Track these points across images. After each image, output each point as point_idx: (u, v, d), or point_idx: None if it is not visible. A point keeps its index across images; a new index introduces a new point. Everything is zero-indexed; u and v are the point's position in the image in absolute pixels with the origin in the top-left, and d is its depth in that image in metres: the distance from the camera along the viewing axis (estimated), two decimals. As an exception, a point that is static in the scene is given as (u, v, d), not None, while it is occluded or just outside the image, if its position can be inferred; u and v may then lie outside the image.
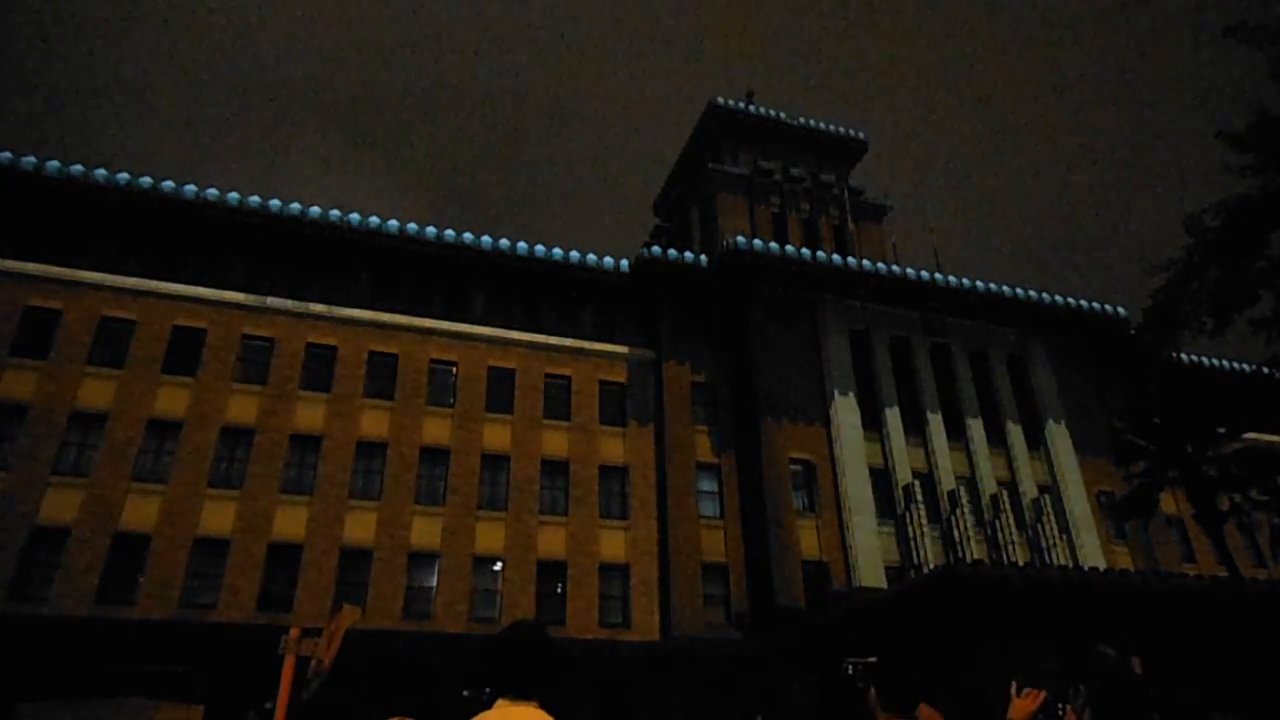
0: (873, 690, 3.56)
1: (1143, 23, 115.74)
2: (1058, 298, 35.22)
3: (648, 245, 33.28)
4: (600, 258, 31.42)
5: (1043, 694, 3.52)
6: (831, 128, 41.90)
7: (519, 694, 2.69)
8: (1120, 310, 35.60)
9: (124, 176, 26.83)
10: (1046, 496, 30.73)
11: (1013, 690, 3.57)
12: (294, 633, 7.91)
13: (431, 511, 25.89)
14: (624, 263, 31.74)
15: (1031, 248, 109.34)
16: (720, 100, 40.51)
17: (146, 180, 27.12)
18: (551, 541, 26.57)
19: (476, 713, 2.63)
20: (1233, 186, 17.79)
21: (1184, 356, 36.82)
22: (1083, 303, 35.67)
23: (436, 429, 27.18)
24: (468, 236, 30.12)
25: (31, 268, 24.95)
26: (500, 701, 2.69)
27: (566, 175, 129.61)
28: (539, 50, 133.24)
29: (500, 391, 28.63)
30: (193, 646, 20.53)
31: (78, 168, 26.40)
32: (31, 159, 25.93)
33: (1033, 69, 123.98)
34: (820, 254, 33.04)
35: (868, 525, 27.79)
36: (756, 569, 27.01)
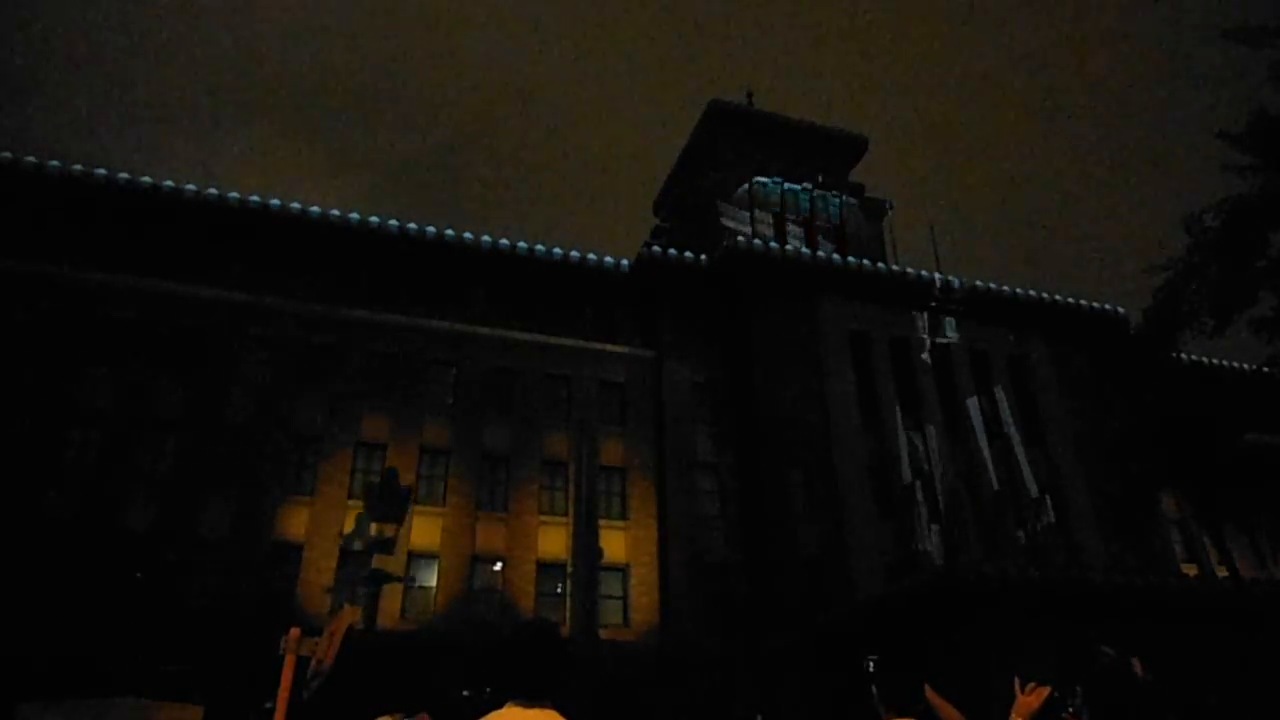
0: (874, 688, 3.58)
1: (1143, 23, 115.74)
2: (1058, 298, 35.23)
3: (648, 245, 33.28)
4: (600, 257, 31.43)
5: (1047, 690, 3.52)
6: (831, 127, 41.91)
7: (531, 695, 2.62)
8: (1120, 310, 35.61)
9: (124, 176, 26.85)
10: (1046, 496, 30.71)
11: (1016, 687, 3.57)
12: (294, 633, 7.90)
13: (432, 512, 25.88)
14: (624, 262, 31.75)
15: (1031, 247, 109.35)
16: (720, 100, 40.54)
17: (147, 180, 27.14)
18: (551, 541, 26.57)
19: (481, 713, 2.58)
20: (1233, 186, 17.77)
21: (1184, 356, 36.78)
22: (1083, 303, 35.68)
23: (436, 429, 27.18)
24: (468, 236, 30.13)
25: (31, 268, 24.92)
26: (510, 705, 2.62)
27: (567, 175, 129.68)
28: (539, 50, 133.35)
29: (500, 391, 28.62)
30: (193, 646, 20.53)
31: (77, 167, 26.41)
32: (32, 159, 25.94)
33: (1033, 69, 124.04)
34: (820, 253, 33.08)
35: (867, 525, 27.78)
36: (756, 569, 27.01)
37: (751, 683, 24.40)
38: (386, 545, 24.86)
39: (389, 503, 25.45)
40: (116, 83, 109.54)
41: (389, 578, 24.40)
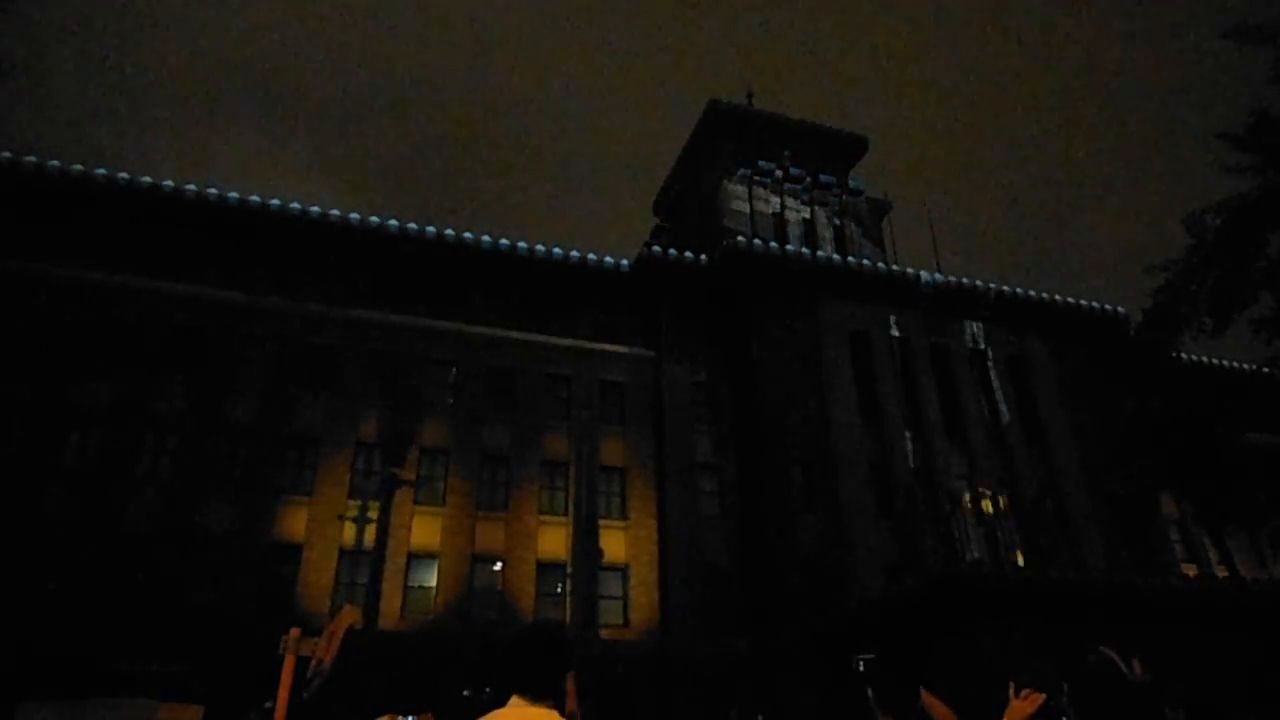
0: (870, 690, 3.59)
1: (1143, 23, 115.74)
2: (1058, 298, 35.23)
3: (648, 245, 33.26)
4: (600, 257, 31.43)
5: (1041, 696, 3.52)
6: (831, 127, 41.93)
7: (536, 694, 2.69)
8: (1120, 310, 35.62)
9: (124, 176, 26.84)
10: (1046, 496, 30.71)
11: (1011, 692, 3.57)
12: (294, 633, 7.91)
13: (432, 512, 25.88)
14: (624, 262, 31.74)
15: (1031, 248, 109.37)
16: (720, 100, 40.56)
17: (147, 180, 27.13)
18: (551, 541, 26.57)
19: (481, 713, 2.62)
20: (1233, 186, 17.78)
21: (1184, 356, 36.82)
22: (1083, 303, 35.69)
23: (436, 429, 27.17)
24: (468, 236, 30.11)
25: (31, 268, 24.90)
26: (515, 699, 2.69)
27: (567, 175, 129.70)
28: (539, 49, 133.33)
29: (500, 391, 28.62)
30: (193, 646, 20.53)
31: (77, 167, 26.41)
32: (32, 159, 25.94)
33: (1033, 69, 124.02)
34: (820, 253, 33.08)
35: (868, 525, 27.78)
36: (756, 569, 27.01)
37: (751, 683, 24.40)
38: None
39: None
40: (111, 82, 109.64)
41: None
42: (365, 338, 27.69)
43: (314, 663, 7.86)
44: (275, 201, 28.23)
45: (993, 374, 33.18)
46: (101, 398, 24.07)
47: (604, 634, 25.22)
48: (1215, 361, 38.18)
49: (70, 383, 23.91)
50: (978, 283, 33.89)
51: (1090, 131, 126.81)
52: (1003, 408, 32.56)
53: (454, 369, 28.44)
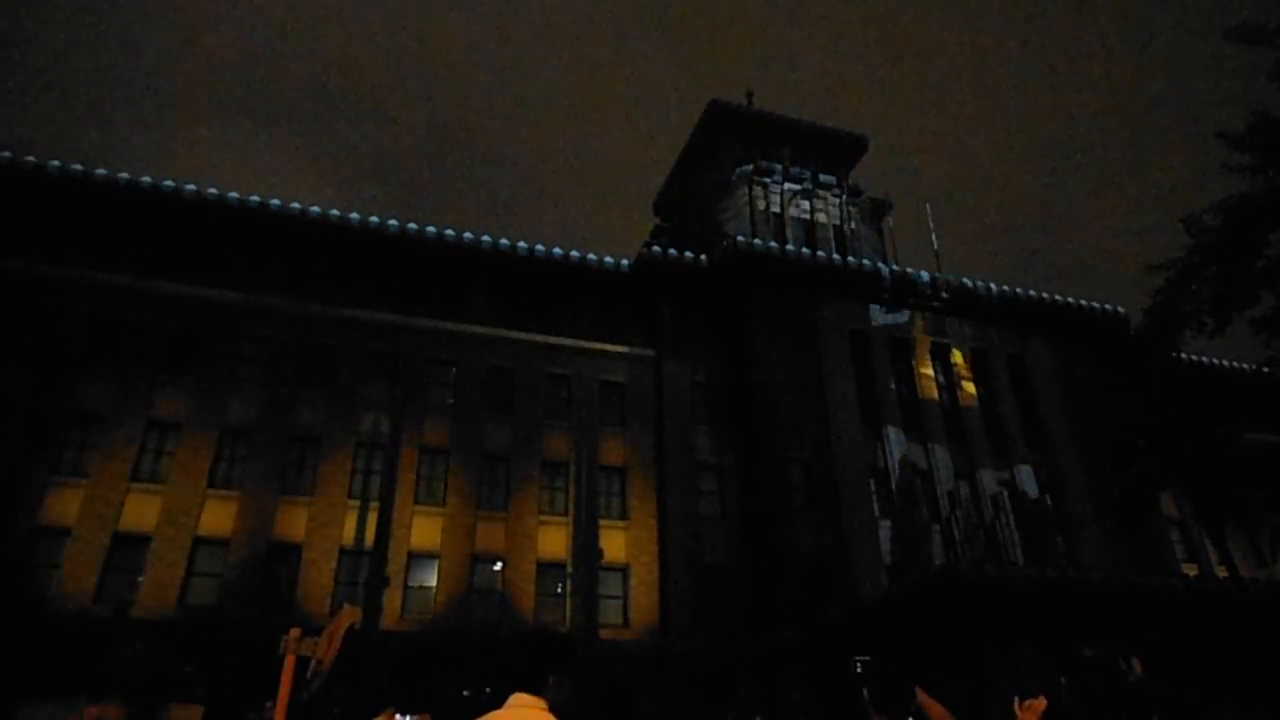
0: (865, 692, 3.59)
1: (1143, 22, 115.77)
2: (1058, 298, 35.24)
3: (648, 245, 33.27)
4: (600, 257, 31.44)
5: (1042, 703, 3.53)
6: (831, 127, 41.93)
7: (533, 690, 2.85)
8: (1120, 310, 35.62)
9: (124, 176, 26.84)
10: (1046, 496, 30.70)
11: (1015, 706, 3.58)
12: (294, 633, 7.91)
13: (432, 512, 25.88)
14: (624, 262, 31.75)
15: (1031, 247, 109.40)
16: (720, 100, 40.58)
17: (147, 180, 27.14)
18: (551, 541, 26.56)
19: (481, 713, 2.71)
20: (1233, 186, 17.75)
21: (1184, 356, 36.78)
22: (1083, 303, 35.69)
23: (436, 429, 27.17)
24: (468, 236, 30.12)
25: (31, 268, 24.89)
26: (514, 697, 2.85)
27: (567, 175, 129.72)
28: (539, 49, 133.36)
29: (500, 391, 28.61)
30: (193, 646, 20.53)
31: (77, 167, 26.40)
32: (32, 159, 25.94)
33: (1033, 69, 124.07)
34: (820, 253, 33.07)
35: (867, 525, 27.78)
36: (756, 569, 27.00)
37: (751, 683, 24.39)
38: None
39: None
40: (110, 83, 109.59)
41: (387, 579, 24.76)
42: (365, 338, 27.69)
43: (314, 663, 7.87)
44: (275, 201, 28.24)
45: (993, 374, 33.17)
46: (101, 397, 24.08)
47: (604, 634, 25.22)
48: (1215, 361, 38.18)
49: (70, 382, 23.91)
50: (978, 283, 33.89)
51: (1090, 131, 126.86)
52: (1003, 408, 32.55)
53: (454, 369, 28.44)
